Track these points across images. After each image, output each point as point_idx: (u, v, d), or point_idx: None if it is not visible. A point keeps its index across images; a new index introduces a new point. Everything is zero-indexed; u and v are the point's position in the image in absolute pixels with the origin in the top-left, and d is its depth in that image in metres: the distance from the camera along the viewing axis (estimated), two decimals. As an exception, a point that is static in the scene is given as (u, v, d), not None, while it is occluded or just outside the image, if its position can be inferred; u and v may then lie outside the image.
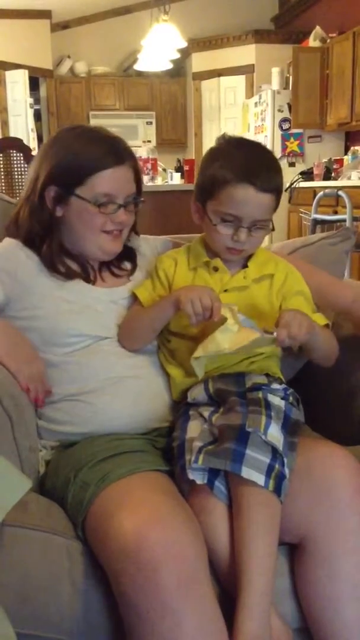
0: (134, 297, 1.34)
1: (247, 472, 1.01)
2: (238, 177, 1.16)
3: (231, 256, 1.26)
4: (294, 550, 1.09)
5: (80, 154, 1.24)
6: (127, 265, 1.41)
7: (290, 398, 1.19)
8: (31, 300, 1.28)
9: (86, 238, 1.30)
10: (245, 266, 1.29)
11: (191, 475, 1.06)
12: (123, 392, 1.24)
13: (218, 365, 1.23)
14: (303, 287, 1.31)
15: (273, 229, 1.25)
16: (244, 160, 1.18)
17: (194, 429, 1.15)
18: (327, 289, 1.38)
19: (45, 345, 1.27)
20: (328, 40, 6.33)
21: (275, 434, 1.06)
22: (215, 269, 1.28)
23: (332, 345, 1.28)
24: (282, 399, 1.16)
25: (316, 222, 3.90)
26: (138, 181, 1.32)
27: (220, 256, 1.27)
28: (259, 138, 6.87)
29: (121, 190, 1.27)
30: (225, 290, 1.26)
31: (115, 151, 1.26)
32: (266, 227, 1.23)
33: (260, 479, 1.01)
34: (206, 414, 1.17)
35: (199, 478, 1.06)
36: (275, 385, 1.19)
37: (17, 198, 1.37)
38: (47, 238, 1.30)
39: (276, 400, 1.14)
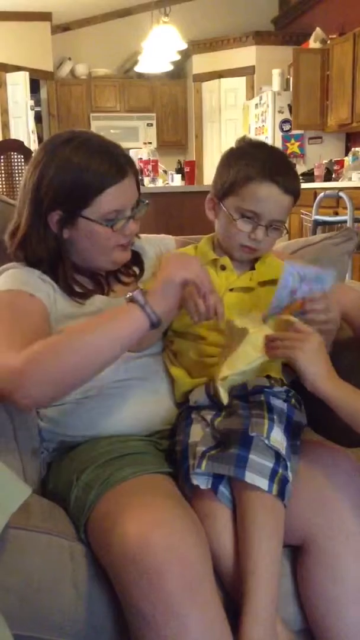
0: None
1: (250, 477, 1.01)
2: (264, 175, 1.19)
3: (243, 254, 1.26)
4: (296, 553, 1.09)
5: (82, 173, 1.17)
6: (134, 270, 1.38)
7: (293, 400, 1.19)
8: (62, 320, 1.23)
9: (97, 255, 1.25)
10: (252, 268, 1.29)
11: (195, 481, 1.05)
12: (127, 394, 1.24)
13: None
14: None
15: (287, 232, 1.27)
16: (269, 161, 1.21)
17: (197, 432, 1.15)
18: None
19: None
20: (328, 42, 6.33)
21: (278, 438, 1.06)
22: (223, 268, 1.28)
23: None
24: (284, 401, 1.15)
25: (317, 223, 3.90)
26: (138, 186, 1.29)
27: (232, 254, 1.27)
28: (260, 139, 6.86)
29: (128, 202, 1.22)
30: (231, 290, 1.26)
31: (117, 164, 1.19)
32: (280, 229, 1.24)
33: (264, 483, 1.01)
34: (208, 417, 1.17)
35: (202, 483, 1.06)
36: (277, 388, 1.18)
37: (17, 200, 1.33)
38: (60, 262, 1.25)
39: (278, 403, 1.14)
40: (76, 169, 1.17)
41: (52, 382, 1.04)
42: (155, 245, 1.45)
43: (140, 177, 1.32)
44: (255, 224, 1.21)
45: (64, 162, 1.18)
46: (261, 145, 1.29)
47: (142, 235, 1.44)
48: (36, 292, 1.20)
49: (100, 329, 1.06)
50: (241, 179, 1.20)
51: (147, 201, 1.29)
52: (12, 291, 1.20)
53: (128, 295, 1.08)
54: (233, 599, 1.03)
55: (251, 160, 1.21)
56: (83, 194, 1.17)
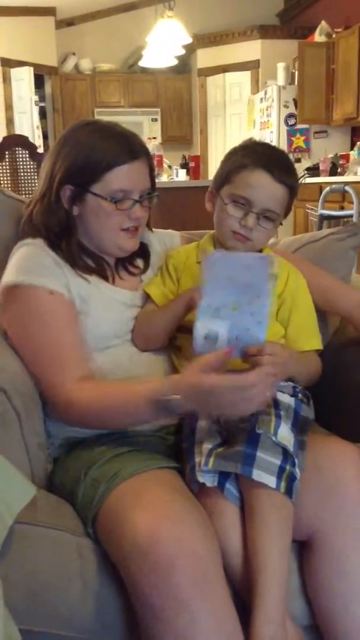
0: (146, 295, 1.33)
1: (258, 475, 1.01)
2: (256, 163, 1.21)
3: (236, 243, 1.25)
4: (303, 548, 1.09)
5: (95, 150, 1.22)
6: (140, 262, 1.40)
7: (300, 395, 1.19)
8: (77, 301, 1.25)
9: (104, 236, 1.28)
10: None
11: (201, 478, 1.05)
12: None
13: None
14: (306, 297, 1.31)
15: (281, 224, 1.28)
16: (265, 153, 1.25)
17: (203, 429, 1.15)
18: (330, 293, 1.37)
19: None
20: (334, 35, 6.30)
21: (285, 434, 1.06)
22: None
23: (313, 376, 1.28)
24: (291, 396, 1.16)
25: (323, 217, 3.89)
26: (152, 176, 1.32)
27: (226, 243, 1.27)
28: (265, 134, 6.85)
29: (137, 185, 1.25)
30: None
31: (130, 147, 1.24)
32: (275, 221, 1.24)
33: (271, 481, 1.01)
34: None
35: (209, 481, 1.06)
36: (284, 382, 1.18)
37: (23, 195, 1.36)
38: (66, 237, 1.27)
39: (285, 398, 1.14)
40: (90, 146, 1.23)
41: (90, 427, 1.20)
42: (161, 240, 1.47)
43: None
44: (246, 210, 1.22)
45: (80, 140, 1.24)
46: (262, 143, 1.33)
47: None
48: (52, 282, 1.21)
49: (127, 419, 1.13)
50: (236, 167, 1.23)
51: (157, 193, 1.32)
52: (31, 288, 1.20)
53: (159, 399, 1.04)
54: (240, 594, 1.03)
55: (248, 152, 1.25)
56: (93, 169, 1.22)
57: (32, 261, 1.24)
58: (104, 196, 1.23)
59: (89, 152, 1.22)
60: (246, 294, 1.04)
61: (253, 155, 1.24)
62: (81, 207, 1.25)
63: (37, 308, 1.20)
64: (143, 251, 1.40)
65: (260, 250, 1.31)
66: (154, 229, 1.47)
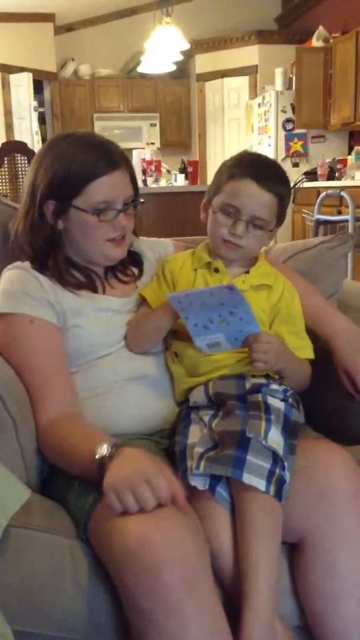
0: (142, 299, 1.35)
1: (248, 478, 1.02)
2: (243, 172, 1.24)
3: (227, 251, 1.28)
4: (293, 550, 1.10)
5: (73, 164, 1.22)
6: (133, 270, 1.41)
7: (290, 399, 1.20)
8: (69, 316, 1.27)
9: (90, 248, 1.29)
10: (247, 273, 1.31)
11: (192, 482, 1.07)
12: (129, 393, 1.25)
13: (218, 365, 1.25)
14: (299, 308, 1.33)
15: (271, 230, 1.29)
16: (254, 163, 1.28)
17: (195, 434, 1.16)
18: (315, 315, 1.37)
19: (75, 358, 1.27)
20: (331, 40, 6.32)
21: (275, 438, 1.08)
22: (216, 270, 1.30)
23: (303, 380, 1.30)
24: (281, 400, 1.17)
25: (319, 222, 3.90)
26: (134, 183, 1.32)
27: (219, 252, 1.30)
28: (263, 139, 6.88)
29: (118, 195, 1.26)
30: None
31: (108, 157, 1.24)
32: (265, 228, 1.26)
33: (261, 484, 1.02)
34: (206, 418, 1.18)
35: (200, 484, 1.07)
36: (275, 386, 1.20)
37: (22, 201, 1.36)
38: (52, 252, 1.29)
39: (276, 403, 1.15)
40: (69, 159, 1.23)
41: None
42: (154, 248, 1.47)
43: (143, 178, 1.34)
44: (235, 218, 1.24)
45: (59, 154, 1.24)
46: (253, 153, 1.36)
47: (141, 238, 1.46)
48: (34, 309, 1.24)
49: (75, 467, 1.11)
50: (225, 177, 1.27)
51: (142, 200, 1.32)
52: (12, 317, 1.24)
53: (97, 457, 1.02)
54: (232, 597, 1.04)
55: (237, 162, 1.28)
56: (73, 183, 1.23)
57: (15, 288, 1.26)
58: (87, 209, 1.23)
59: (68, 165, 1.22)
60: (225, 308, 1.12)
61: (241, 165, 1.27)
62: (65, 221, 1.26)
63: (18, 337, 1.23)
64: (135, 259, 1.41)
65: (256, 259, 1.33)
66: (146, 238, 1.48)
